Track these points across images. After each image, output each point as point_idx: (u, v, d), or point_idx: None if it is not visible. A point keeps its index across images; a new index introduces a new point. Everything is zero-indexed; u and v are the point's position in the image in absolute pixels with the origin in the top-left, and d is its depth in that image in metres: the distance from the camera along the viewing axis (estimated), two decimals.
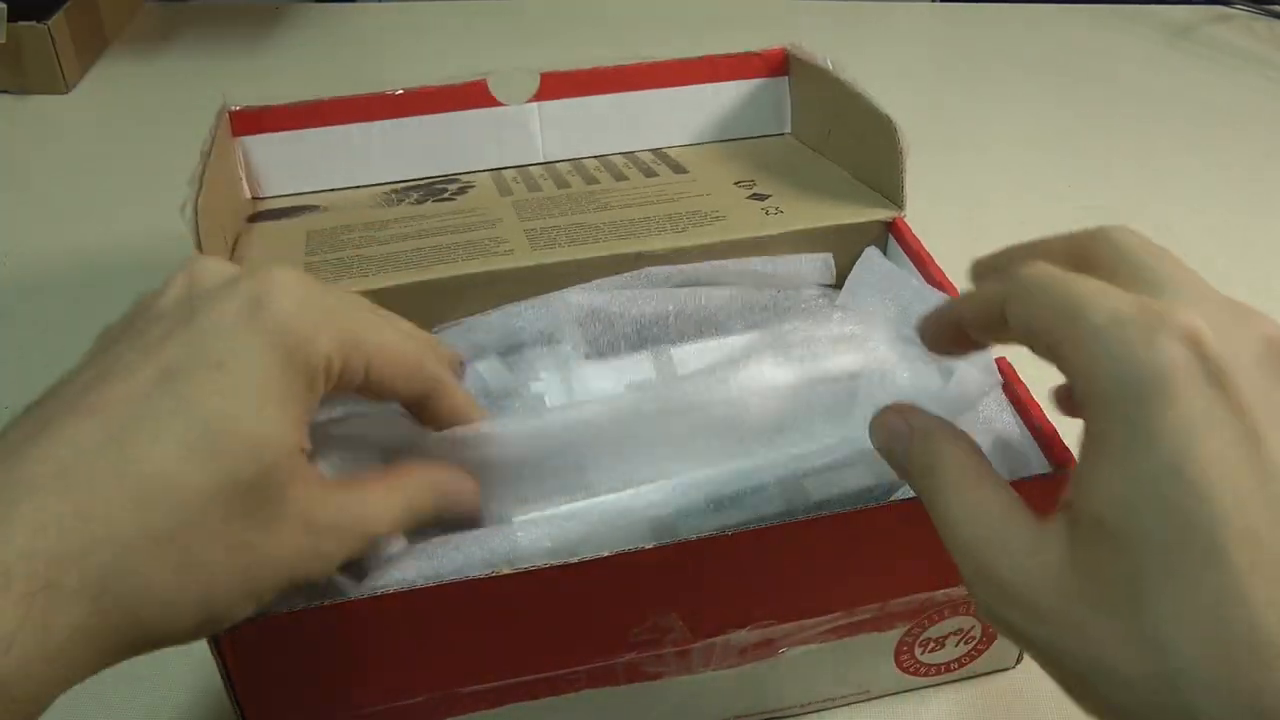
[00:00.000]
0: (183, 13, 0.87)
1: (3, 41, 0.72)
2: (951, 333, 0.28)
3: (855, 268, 0.44)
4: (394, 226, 0.45)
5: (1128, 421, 0.21)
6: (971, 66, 0.82)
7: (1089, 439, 0.23)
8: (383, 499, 0.29)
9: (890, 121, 0.44)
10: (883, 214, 0.45)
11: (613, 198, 0.46)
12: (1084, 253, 0.26)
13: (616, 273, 0.42)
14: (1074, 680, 0.23)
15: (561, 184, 0.48)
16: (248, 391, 0.25)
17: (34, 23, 0.72)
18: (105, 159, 0.70)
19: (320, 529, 0.26)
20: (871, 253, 0.44)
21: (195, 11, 0.87)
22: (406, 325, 0.31)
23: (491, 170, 0.50)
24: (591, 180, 0.48)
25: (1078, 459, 0.23)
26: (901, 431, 0.27)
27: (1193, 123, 0.75)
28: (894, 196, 0.45)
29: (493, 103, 0.49)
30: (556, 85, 0.50)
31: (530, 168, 0.50)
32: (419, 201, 0.48)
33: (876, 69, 0.81)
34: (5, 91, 0.75)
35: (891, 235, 0.45)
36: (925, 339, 0.29)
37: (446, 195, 0.48)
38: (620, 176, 0.48)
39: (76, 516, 0.22)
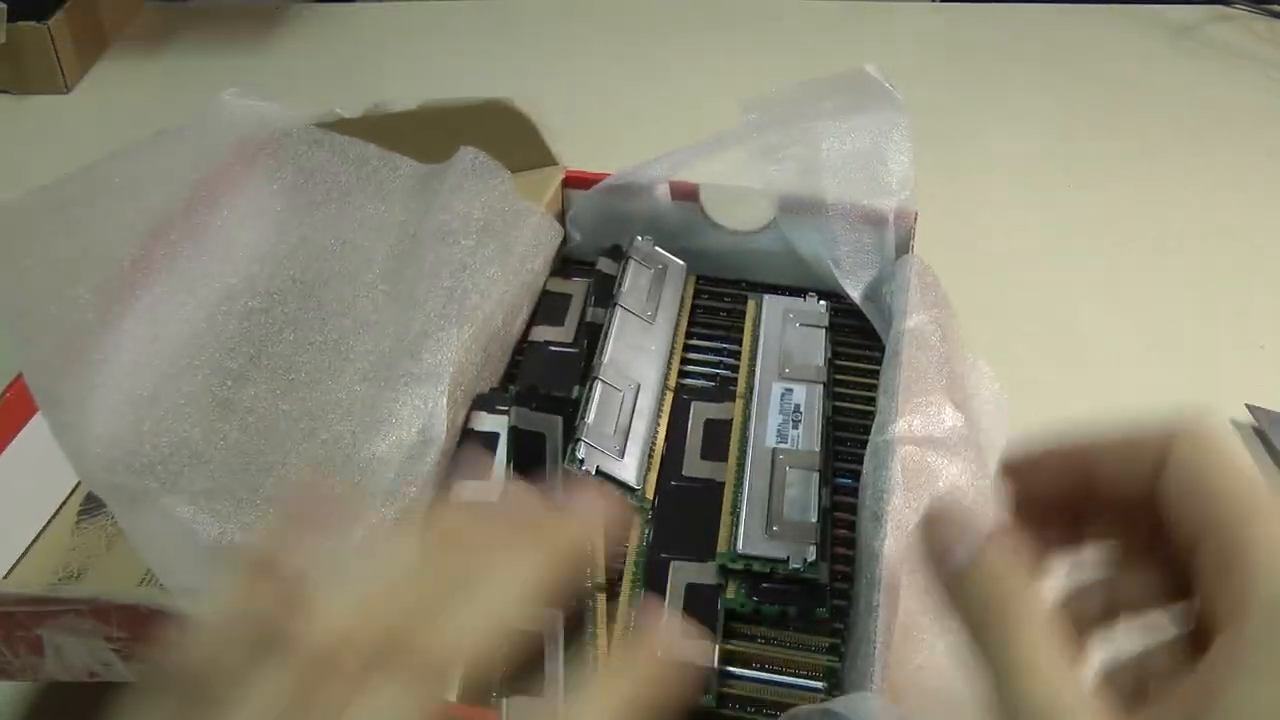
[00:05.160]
0: (183, 13, 0.87)
1: (3, 41, 0.72)
2: (1069, 483, 0.23)
3: (913, 277, 0.43)
4: None
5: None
6: (971, 66, 0.82)
7: (1240, 647, 0.19)
8: None
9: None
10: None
11: None
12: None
13: None
14: None
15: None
16: None
17: (34, 23, 0.72)
18: None
19: None
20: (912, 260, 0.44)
21: (195, 11, 0.87)
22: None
23: None
24: None
25: (1209, 668, 0.20)
26: (958, 548, 0.21)
27: (1193, 122, 0.75)
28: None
29: None
30: None
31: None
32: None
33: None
34: (5, 91, 0.75)
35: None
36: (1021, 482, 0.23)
37: None
38: None
39: None
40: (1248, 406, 0.50)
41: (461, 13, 0.88)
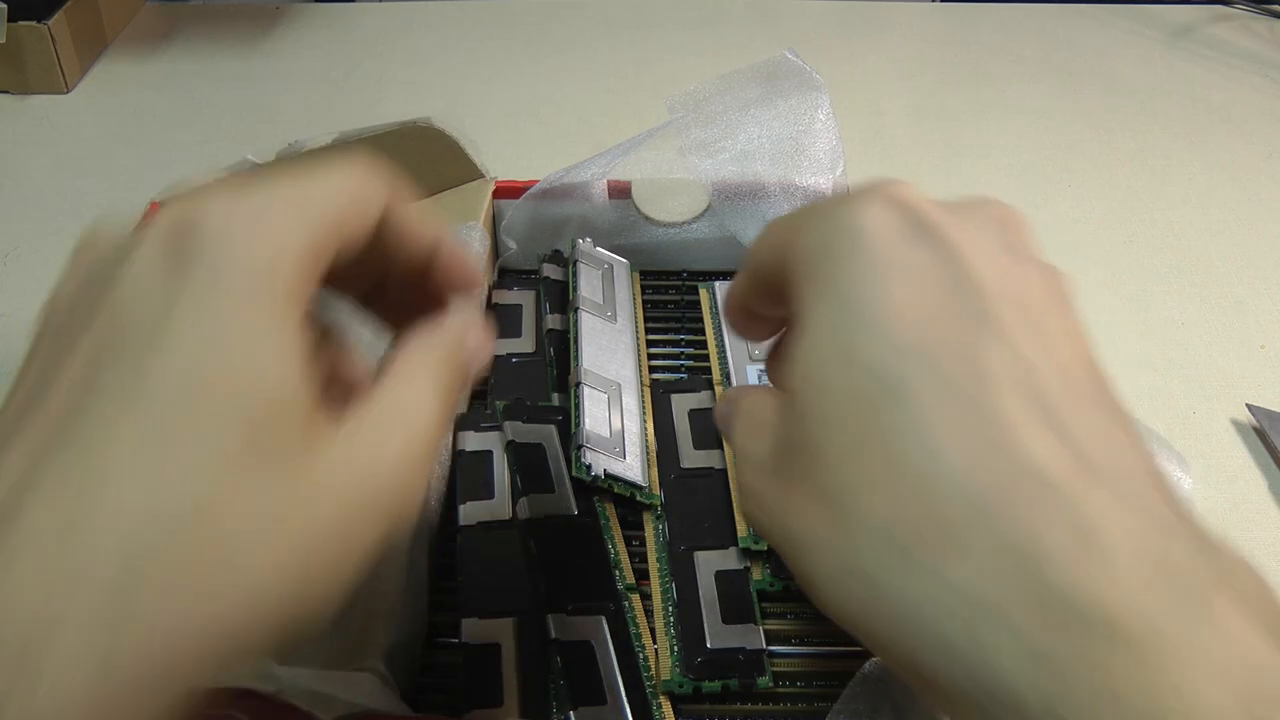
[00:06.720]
0: (183, 13, 0.87)
1: (3, 41, 0.72)
2: (745, 316, 0.28)
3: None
4: None
5: (823, 284, 0.20)
6: (971, 66, 0.82)
7: (790, 323, 0.21)
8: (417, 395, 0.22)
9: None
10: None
11: None
12: None
13: None
14: (792, 565, 0.21)
15: None
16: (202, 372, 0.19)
17: (34, 23, 0.72)
18: (105, 159, 0.70)
19: (368, 454, 0.20)
20: None
21: (195, 11, 0.87)
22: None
23: None
24: None
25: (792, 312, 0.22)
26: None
27: (1193, 123, 0.75)
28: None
29: None
30: None
31: None
32: None
33: (876, 69, 0.81)
34: (5, 91, 0.75)
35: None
36: (734, 328, 0.29)
37: None
38: None
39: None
40: (1248, 406, 0.50)
41: (462, 12, 0.88)
